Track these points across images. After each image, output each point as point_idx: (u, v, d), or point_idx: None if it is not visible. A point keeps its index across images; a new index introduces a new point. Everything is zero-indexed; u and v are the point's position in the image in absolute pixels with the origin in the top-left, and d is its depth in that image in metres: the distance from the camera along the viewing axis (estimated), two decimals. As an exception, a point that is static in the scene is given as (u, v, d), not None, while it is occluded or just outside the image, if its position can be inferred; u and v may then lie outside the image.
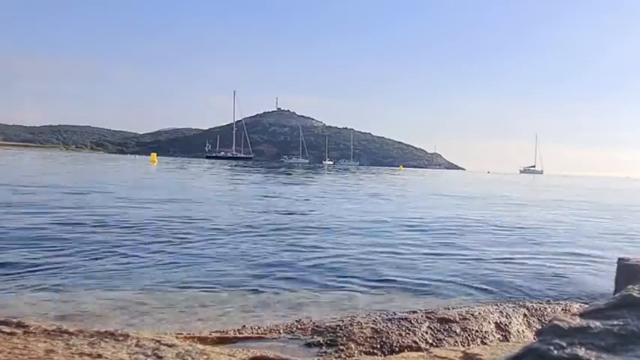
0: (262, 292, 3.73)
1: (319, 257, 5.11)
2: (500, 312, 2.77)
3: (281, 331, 2.50)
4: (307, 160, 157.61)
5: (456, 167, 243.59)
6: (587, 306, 1.16)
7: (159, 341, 1.99)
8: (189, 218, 7.62)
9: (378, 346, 2.31)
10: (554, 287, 4.33)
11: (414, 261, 5.17)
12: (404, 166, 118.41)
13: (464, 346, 2.39)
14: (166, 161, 60.74)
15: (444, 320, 2.58)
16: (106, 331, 2.07)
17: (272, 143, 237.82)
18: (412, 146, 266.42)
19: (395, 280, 4.26)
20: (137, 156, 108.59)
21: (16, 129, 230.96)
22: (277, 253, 5.29)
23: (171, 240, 5.70)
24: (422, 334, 2.43)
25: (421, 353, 2.25)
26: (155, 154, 50.58)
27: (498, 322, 2.65)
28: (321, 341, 2.33)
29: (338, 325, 2.48)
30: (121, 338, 2.00)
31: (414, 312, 2.74)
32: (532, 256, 5.84)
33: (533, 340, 1.22)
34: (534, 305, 2.95)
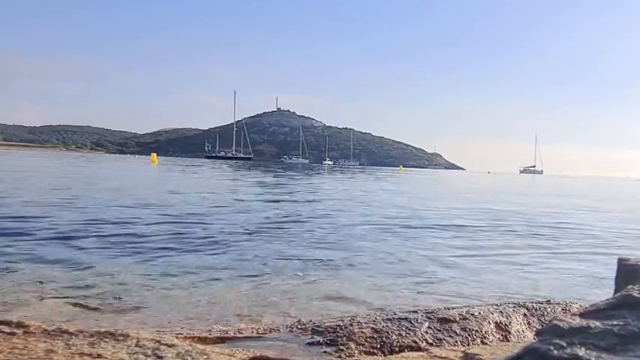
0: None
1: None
2: (500, 312, 2.77)
3: (281, 330, 2.50)
4: (307, 160, 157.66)
5: (456, 167, 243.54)
6: (587, 306, 1.16)
7: (159, 341, 1.99)
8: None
9: (378, 346, 2.31)
10: (554, 287, 4.33)
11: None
12: (404, 167, 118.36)
13: (464, 346, 2.39)
14: (170, 162, 60.72)
15: (444, 320, 2.58)
16: (106, 331, 2.07)
17: (272, 143, 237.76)
18: (412, 146, 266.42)
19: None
20: (137, 156, 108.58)
21: (16, 129, 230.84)
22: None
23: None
24: (422, 334, 2.43)
25: (421, 353, 2.25)
26: (155, 154, 50.68)
27: (498, 322, 2.65)
28: (321, 341, 2.33)
29: (338, 325, 2.48)
30: (121, 338, 2.00)
31: (414, 312, 2.74)
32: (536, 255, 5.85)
33: (533, 340, 1.22)
34: (534, 305, 2.94)
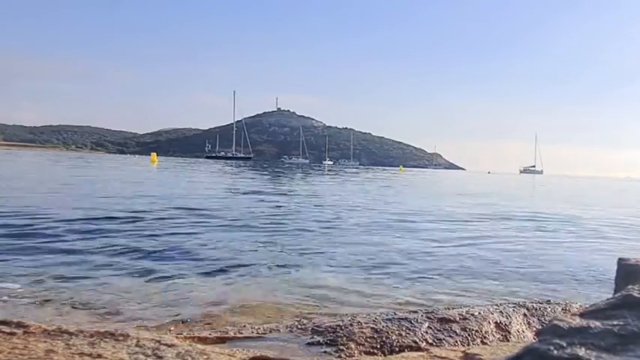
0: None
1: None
2: (500, 312, 2.77)
3: (281, 331, 2.50)
4: (307, 160, 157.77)
5: (456, 167, 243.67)
6: (587, 306, 1.16)
7: (159, 341, 1.99)
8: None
9: (378, 346, 2.31)
10: (554, 286, 4.33)
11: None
12: (404, 167, 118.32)
13: (464, 346, 2.39)
14: (170, 162, 60.79)
15: (444, 320, 2.58)
16: (106, 331, 2.07)
17: (272, 143, 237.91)
18: (412, 146, 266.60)
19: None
20: (137, 156, 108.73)
21: (16, 129, 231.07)
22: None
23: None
24: (422, 334, 2.43)
25: (421, 353, 2.25)
26: (155, 154, 50.75)
27: (498, 322, 2.65)
28: (321, 341, 2.33)
29: (338, 325, 2.48)
30: (121, 338, 1.99)
31: (414, 312, 2.74)
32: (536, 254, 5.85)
33: (533, 340, 1.22)
34: (534, 305, 2.95)
